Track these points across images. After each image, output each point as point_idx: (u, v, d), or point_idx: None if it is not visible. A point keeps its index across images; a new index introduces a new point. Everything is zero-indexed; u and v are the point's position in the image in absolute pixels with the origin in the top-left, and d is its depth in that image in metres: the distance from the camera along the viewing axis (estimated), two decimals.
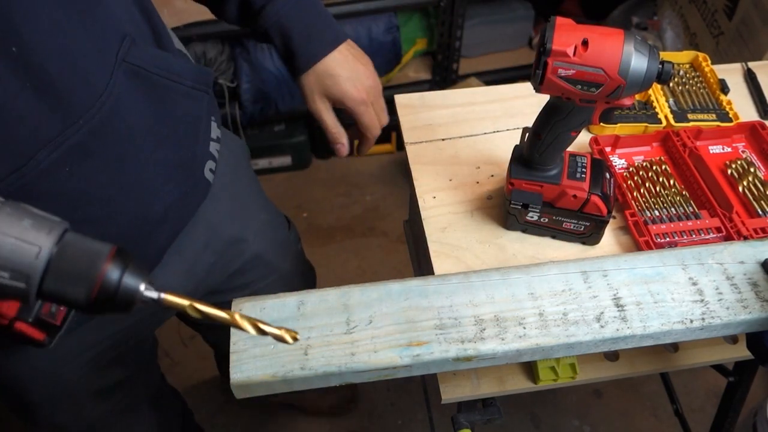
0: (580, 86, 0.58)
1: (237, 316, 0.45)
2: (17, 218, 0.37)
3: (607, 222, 0.71)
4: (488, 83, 1.93)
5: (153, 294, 0.41)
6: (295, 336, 0.46)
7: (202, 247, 0.81)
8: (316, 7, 0.77)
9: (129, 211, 0.65)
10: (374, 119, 0.79)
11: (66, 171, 0.57)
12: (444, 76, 1.99)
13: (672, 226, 0.74)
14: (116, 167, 0.62)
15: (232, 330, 0.58)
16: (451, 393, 0.72)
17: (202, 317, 0.43)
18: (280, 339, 0.46)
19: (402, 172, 1.94)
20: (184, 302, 0.42)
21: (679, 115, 0.88)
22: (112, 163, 0.61)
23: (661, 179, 0.79)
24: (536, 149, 0.67)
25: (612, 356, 0.76)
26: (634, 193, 0.78)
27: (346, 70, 0.76)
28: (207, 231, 0.80)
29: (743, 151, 0.85)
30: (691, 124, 0.86)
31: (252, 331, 0.45)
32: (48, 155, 0.56)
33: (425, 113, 0.89)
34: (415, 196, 0.79)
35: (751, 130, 0.86)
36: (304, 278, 1.06)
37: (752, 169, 0.80)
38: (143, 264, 0.42)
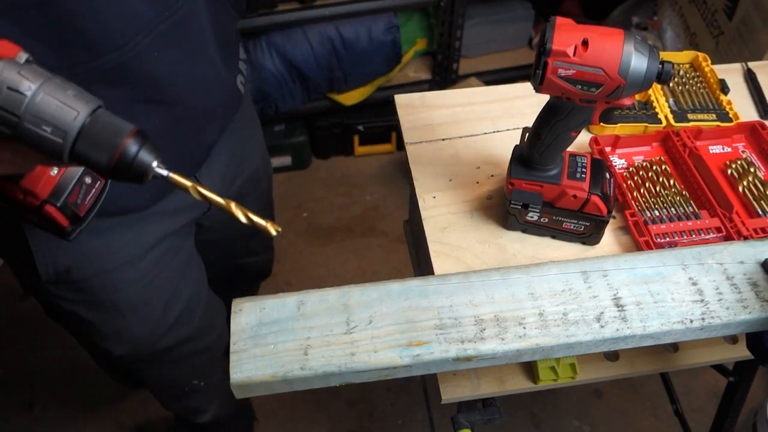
0: (580, 86, 0.58)
1: (232, 205, 0.50)
2: (63, 88, 0.44)
3: (607, 222, 0.71)
4: (488, 83, 1.93)
5: (163, 171, 0.47)
6: (278, 229, 0.51)
7: (229, 156, 0.91)
8: None
9: (195, 101, 0.75)
10: None
11: (155, 56, 0.67)
12: (444, 76, 1.99)
13: (672, 226, 0.74)
14: (191, 59, 0.72)
15: (233, 330, 0.58)
16: (451, 393, 0.72)
17: (201, 199, 0.49)
18: (264, 229, 0.50)
19: (402, 172, 1.94)
20: (187, 183, 0.48)
21: (679, 115, 0.88)
22: (188, 54, 0.71)
23: (661, 179, 0.79)
24: (536, 149, 0.67)
25: (612, 356, 0.76)
26: (634, 193, 0.78)
27: None
28: (234, 141, 0.90)
29: (743, 151, 0.85)
30: (691, 124, 0.86)
31: (242, 218, 0.50)
32: (143, 39, 0.64)
33: (425, 113, 0.89)
34: (415, 196, 0.79)
35: (751, 130, 0.86)
36: (270, 210, 1.18)
37: (752, 169, 0.80)
38: (157, 147, 0.48)
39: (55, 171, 0.56)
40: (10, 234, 0.75)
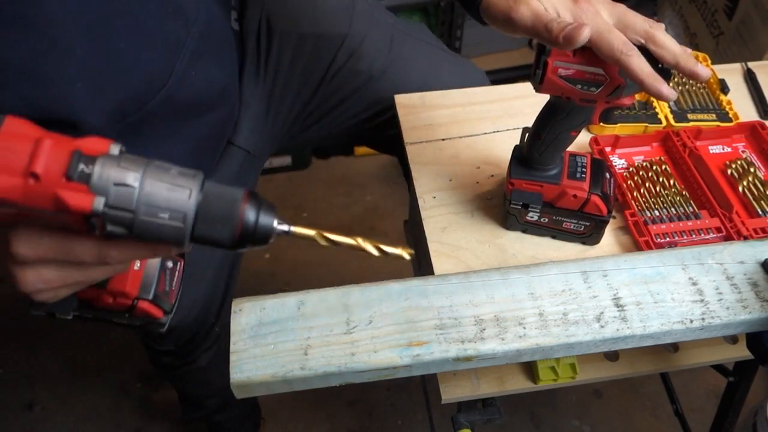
0: (580, 86, 0.58)
1: (360, 241, 0.50)
2: (165, 169, 0.42)
3: (607, 222, 0.71)
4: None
5: (284, 227, 0.45)
6: (411, 252, 0.50)
7: None
8: None
9: (232, 95, 0.76)
10: (608, 27, 0.54)
11: (192, 74, 0.66)
12: None
13: (672, 226, 0.74)
14: (216, 63, 0.71)
15: (232, 330, 0.58)
16: (451, 393, 0.72)
17: (328, 245, 0.48)
18: (399, 257, 0.50)
19: (402, 172, 1.94)
20: (311, 232, 0.47)
21: (679, 115, 0.88)
22: (213, 60, 0.71)
23: (661, 179, 0.79)
24: (536, 149, 0.67)
25: (612, 356, 0.76)
26: (634, 193, 0.78)
27: None
28: None
29: (743, 151, 0.85)
30: (691, 124, 0.86)
31: (375, 252, 0.50)
32: (180, 64, 0.64)
33: (425, 113, 0.89)
34: (415, 196, 0.79)
35: (751, 130, 0.86)
36: None
37: (752, 169, 0.80)
38: (272, 204, 0.46)
39: (137, 265, 0.52)
40: None
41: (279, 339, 0.57)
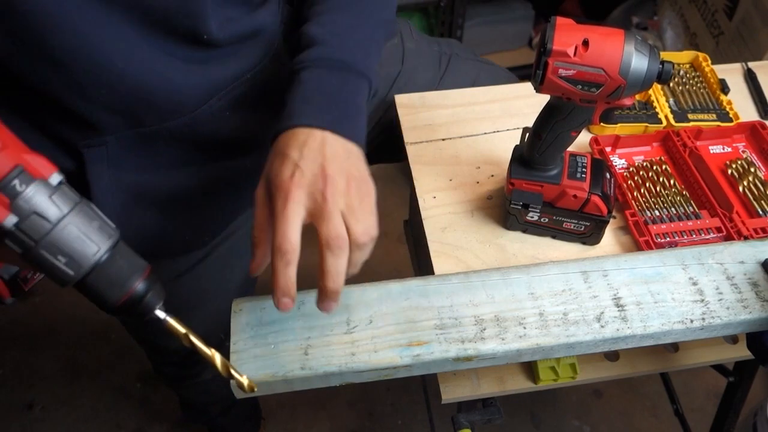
0: (580, 86, 0.58)
1: (216, 357, 0.50)
2: (90, 218, 0.43)
3: (608, 222, 0.71)
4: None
5: (161, 314, 0.47)
6: (253, 387, 0.51)
7: None
8: (346, 86, 0.61)
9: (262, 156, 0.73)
10: (291, 223, 0.51)
11: (226, 115, 0.66)
12: None
13: (672, 226, 0.74)
14: (263, 114, 0.69)
15: (233, 329, 0.58)
16: (451, 393, 0.72)
17: (190, 346, 0.49)
18: (240, 386, 0.51)
19: (402, 172, 1.94)
20: (181, 330, 0.48)
21: (679, 115, 0.88)
22: (261, 110, 0.69)
23: (661, 179, 0.79)
24: (536, 149, 0.67)
25: (612, 356, 0.76)
26: (635, 193, 0.78)
27: (303, 154, 0.53)
28: None
29: (743, 151, 0.85)
30: (691, 124, 0.86)
31: (222, 371, 0.51)
32: (217, 102, 0.64)
33: (425, 113, 0.89)
34: (415, 196, 0.79)
35: (751, 130, 0.86)
36: None
37: (752, 169, 0.80)
38: (163, 289, 0.47)
39: None
40: None
41: (279, 339, 0.57)
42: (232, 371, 0.50)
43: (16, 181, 0.40)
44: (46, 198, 0.41)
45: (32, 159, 0.41)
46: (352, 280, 0.62)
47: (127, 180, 0.67)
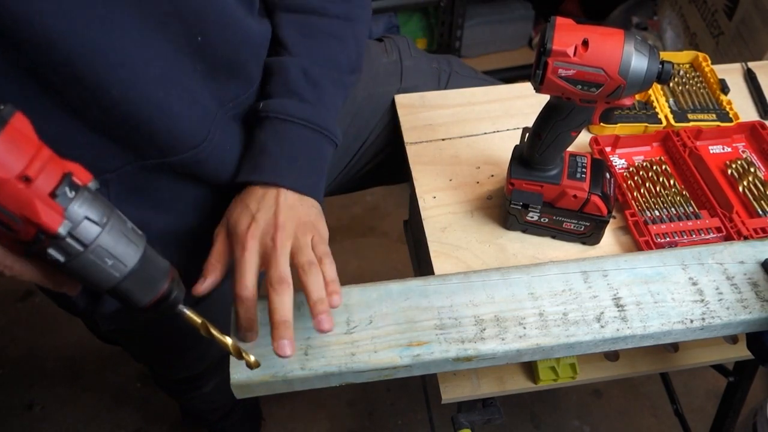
0: (580, 86, 0.58)
1: (229, 343, 0.53)
2: (124, 220, 0.44)
3: (607, 222, 0.71)
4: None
5: (185, 310, 0.50)
6: (257, 363, 0.54)
7: None
8: (308, 144, 0.67)
9: None
10: (248, 273, 0.57)
11: (228, 148, 0.67)
12: None
13: (672, 226, 0.74)
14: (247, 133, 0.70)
15: (232, 329, 0.58)
16: (451, 393, 0.72)
17: (208, 336, 0.51)
18: (249, 365, 0.54)
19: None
20: (197, 320, 0.51)
21: (679, 115, 0.88)
22: (246, 129, 0.70)
23: (661, 179, 0.79)
24: (536, 149, 0.67)
25: (612, 356, 0.76)
26: (634, 193, 0.78)
27: (260, 206, 0.61)
28: None
29: (743, 151, 0.85)
30: (691, 124, 0.86)
31: (234, 355, 0.53)
32: (215, 131, 0.65)
33: (425, 113, 0.89)
34: (415, 196, 0.79)
35: (751, 130, 0.86)
36: None
37: (752, 169, 0.80)
38: (183, 286, 0.49)
39: None
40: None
41: None
42: (244, 355, 0.53)
43: (66, 189, 0.40)
44: (92, 204, 0.41)
45: (74, 167, 0.42)
46: (352, 280, 0.62)
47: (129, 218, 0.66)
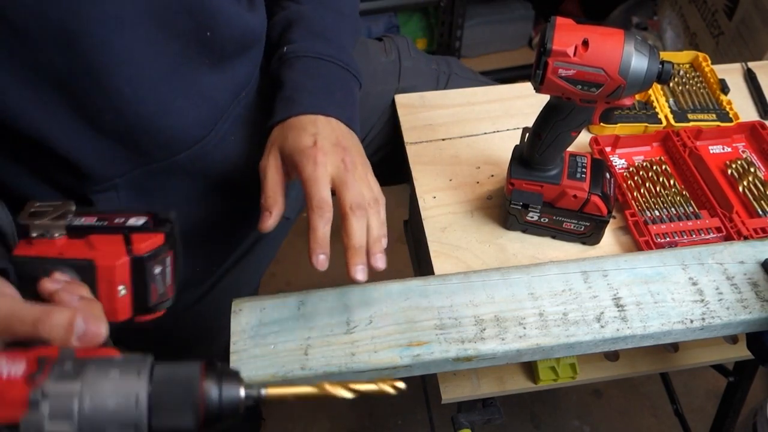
0: (580, 86, 0.58)
1: (327, 386, 0.40)
2: (104, 373, 0.36)
3: (608, 222, 0.71)
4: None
5: (254, 392, 0.39)
6: (395, 385, 0.41)
7: None
8: (341, 79, 0.67)
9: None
10: (325, 185, 0.55)
11: (232, 139, 0.67)
12: None
13: (672, 226, 0.74)
14: (260, 132, 0.68)
15: (233, 329, 0.58)
16: (451, 393, 0.72)
17: (305, 399, 0.41)
18: (379, 393, 0.41)
19: None
20: (287, 391, 0.41)
21: (679, 115, 0.88)
22: (258, 128, 0.68)
23: (661, 179, 0.79)
24: (536, 149, 0.67)
25: (612, 356, 0.76)
26: (634, 193, 0.78)
27: (318, 129, 0.59)
28: None
29: (743, 151, 0.85)
30: (691, 124, 0.86)
31: (348, 395, 0.41)
32: (223, 124, 0.64)
33: (425, 113, 0.89)
34: (415, 196, 0.79)
35: (751, 130, 0.86)
36: None
37: (752, 169, 0.80)
38: (232, 370, 0.40)
39: (122, 291, 0.47)
40: None
41: (279, 339, 0.57)
42: (356, 387, 0.41)
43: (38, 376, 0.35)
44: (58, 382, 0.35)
45: (40, 350, 0.37)
46: (352, 280, 0.62)
47: None
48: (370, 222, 0.56)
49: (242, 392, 0.39)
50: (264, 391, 0.39)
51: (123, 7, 0.52)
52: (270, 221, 0.57)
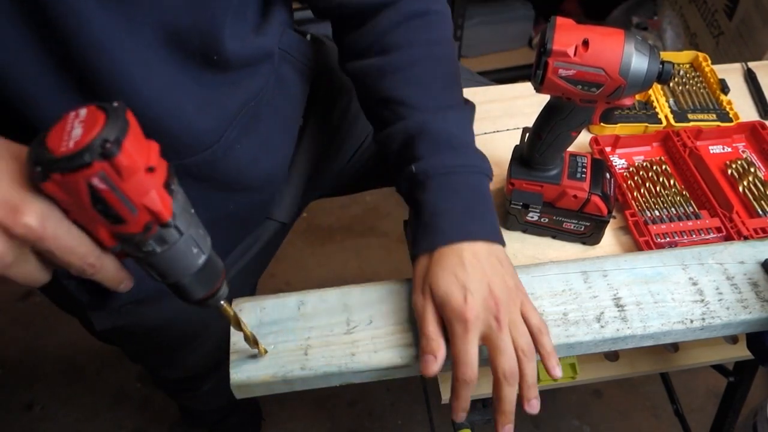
0: (580, 86, 0.58)
1: (250, 335, 0.54)
2: (198, 224, 0.44)
3: (608, 222, 0.71)
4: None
5: (222, 303, 0.50)
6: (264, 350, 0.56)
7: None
8: (474, 188, 0.64)
9: (272, 189, 0.77)
10: (472, 356, 0.54)
11: (238, 147, 0.66)
12: None
13: (672, 226, 0.74)
14: (267, 141, 0.70)
15: (232, 330, 0.58)
16: None
17: (236, 327, 0.53)
18: (261, 352, 0.56)
19: None
20: (230, 312, 0.51)
21: (679, 115, 0.88)
22: (265, 137, 0.70)
23: (661, 179, 0.79)
24: (536, 149, 0.67)
25: (612, 356, 0.76)
26: (635, 193, 0.78)
27: (467, 273, 0.56)
28: None
29: (743, 151, 0.85)
30: (691, 124, 0.86)
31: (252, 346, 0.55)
32: (231, 132, 0.64)
33: None
34: None
35: (751, 130, 0.86)
36: None
37: (752, 169, 0.80)
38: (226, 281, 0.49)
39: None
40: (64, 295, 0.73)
41: (279, 339, 0.57)
42: (259, 346, 0.55)
43: (174, 179, 0.41)
44: (183, 193, 0.42)
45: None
46: (352, 280, 0.62)
47: None
48: (524, 370, 0.54)
49: (222, 299, 0.49)
50: (224, 304, 0.49)
51: (142, 33, 0.53)
52: (435, 366, 0.55)
